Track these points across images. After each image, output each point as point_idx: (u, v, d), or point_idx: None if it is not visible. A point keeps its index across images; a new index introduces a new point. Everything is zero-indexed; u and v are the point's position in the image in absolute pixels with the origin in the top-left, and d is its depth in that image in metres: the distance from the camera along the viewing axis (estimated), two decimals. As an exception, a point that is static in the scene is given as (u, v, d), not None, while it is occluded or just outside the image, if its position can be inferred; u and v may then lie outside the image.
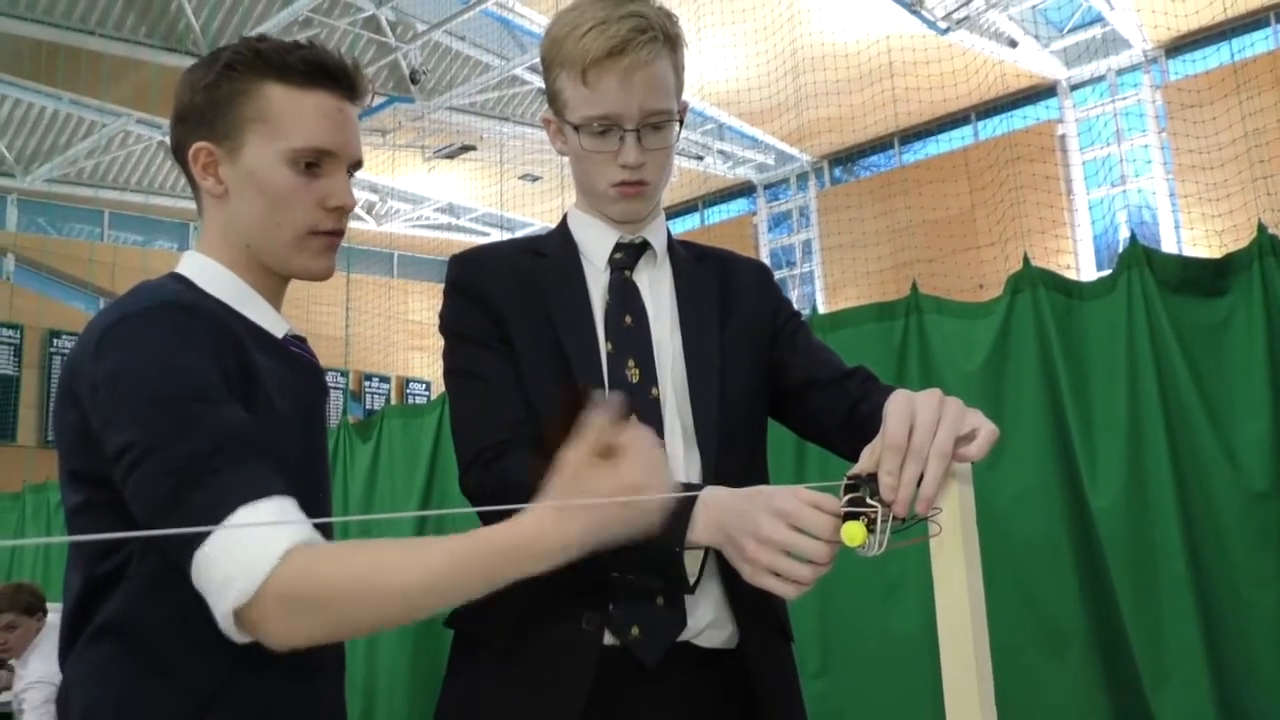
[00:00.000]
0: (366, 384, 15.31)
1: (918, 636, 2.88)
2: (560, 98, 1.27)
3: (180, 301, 1.07)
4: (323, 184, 1.15)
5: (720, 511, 1.05)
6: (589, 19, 1.20)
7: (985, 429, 0.97)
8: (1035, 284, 2.90)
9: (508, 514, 0.98)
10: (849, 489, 0.95)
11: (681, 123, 1.30)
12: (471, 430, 1.23)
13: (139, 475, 0.95)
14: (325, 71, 1.15)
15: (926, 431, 0.94)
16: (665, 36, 1.23)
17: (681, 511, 1.06)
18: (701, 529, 1.06)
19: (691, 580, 1.11)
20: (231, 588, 0.89)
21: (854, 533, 0.91)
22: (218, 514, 0.92)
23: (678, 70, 1.28)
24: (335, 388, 14.78)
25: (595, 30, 1.19)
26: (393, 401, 14.96)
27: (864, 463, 0.98)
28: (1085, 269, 11.06)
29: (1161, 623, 2.62)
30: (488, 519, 1.19)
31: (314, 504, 1.09)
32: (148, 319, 1.04)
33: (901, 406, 0.96)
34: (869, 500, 0.93)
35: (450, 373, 1.29)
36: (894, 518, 0.92)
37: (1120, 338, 2.74)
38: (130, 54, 10.54)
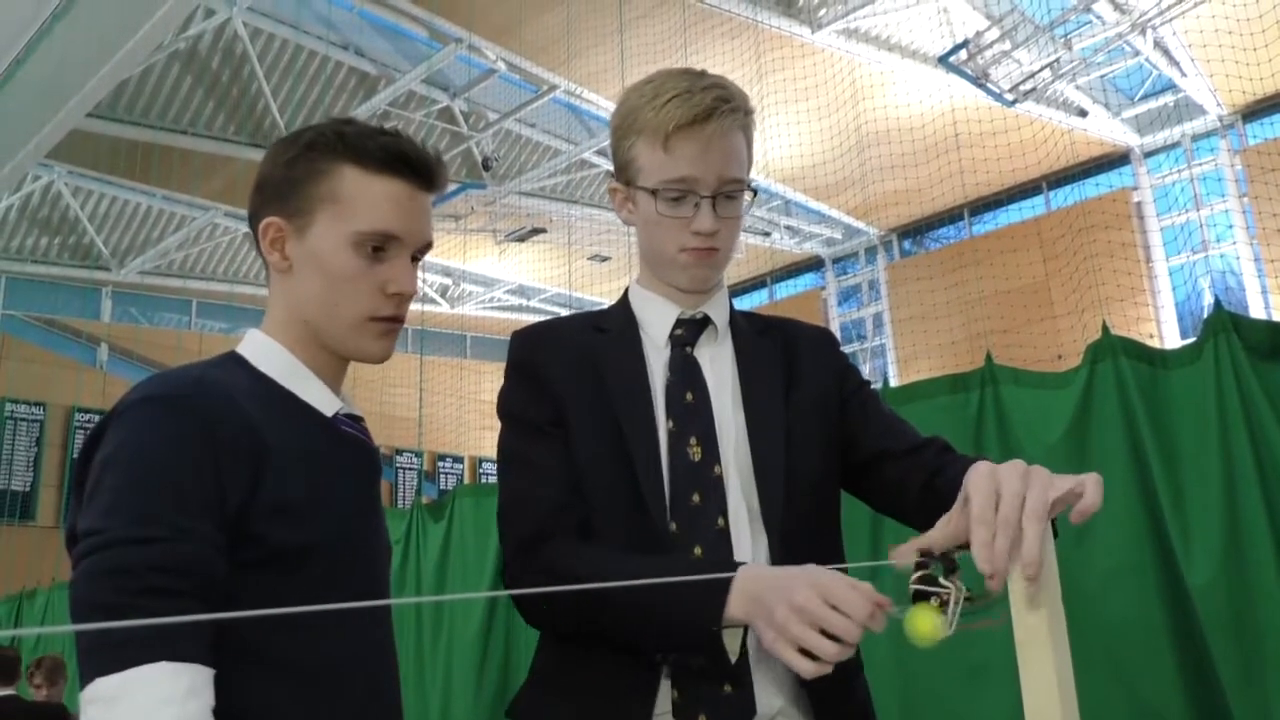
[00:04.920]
0: (440, 464, 15.46)
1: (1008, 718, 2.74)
2: (633, 165, 1.27)
3: (179, 394, 1.04)
4: (385, 269, 1.15)
5: (755, 584, 1.02)
6: (670, 89, 1.23)
7: (1090, 480, 0.93)
8: (1116, 353, 2.81)
9: (553, 603, 0.99)
10: (919, 565, 0.91)
11: (753, 197, 1.31)
12: (514, 516, 1.22)
13: (91, 564, 0.95)
14: (403, 159, 1.15)
15: (1014, 499, 0.90)
16: (744, 111, 1.27)
17: (717, 588, 1.03)
18: (735, 604, 1.03)
19: (733, 657, 1.10)
20: None
21: (922, 625, 0.85)
22: (140, 654, 0.90)
23: (749, 145, 1.31)
24: (410, 468, 14.96)
25: (679, 99, 1.22)
26: (466, 481, 15.07)
27: (934, 536, 0.94)
28: (1169, 337, 10.74)
29: (1269, 706, 2.46)
30: (532, 610, 1.18)
31: (352, 577, 1.08)
32: (145, 411, 1.03)
33: (985, 476, 0.93)
34: (942, 581, 0.89)
35: (501, 455, 1.29)
36: (965, 599, 0.87)
37: (1210, 406, 2.63)
38: (218, 150, 11.09)
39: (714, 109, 1.21)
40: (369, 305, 1.15)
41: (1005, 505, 0.89)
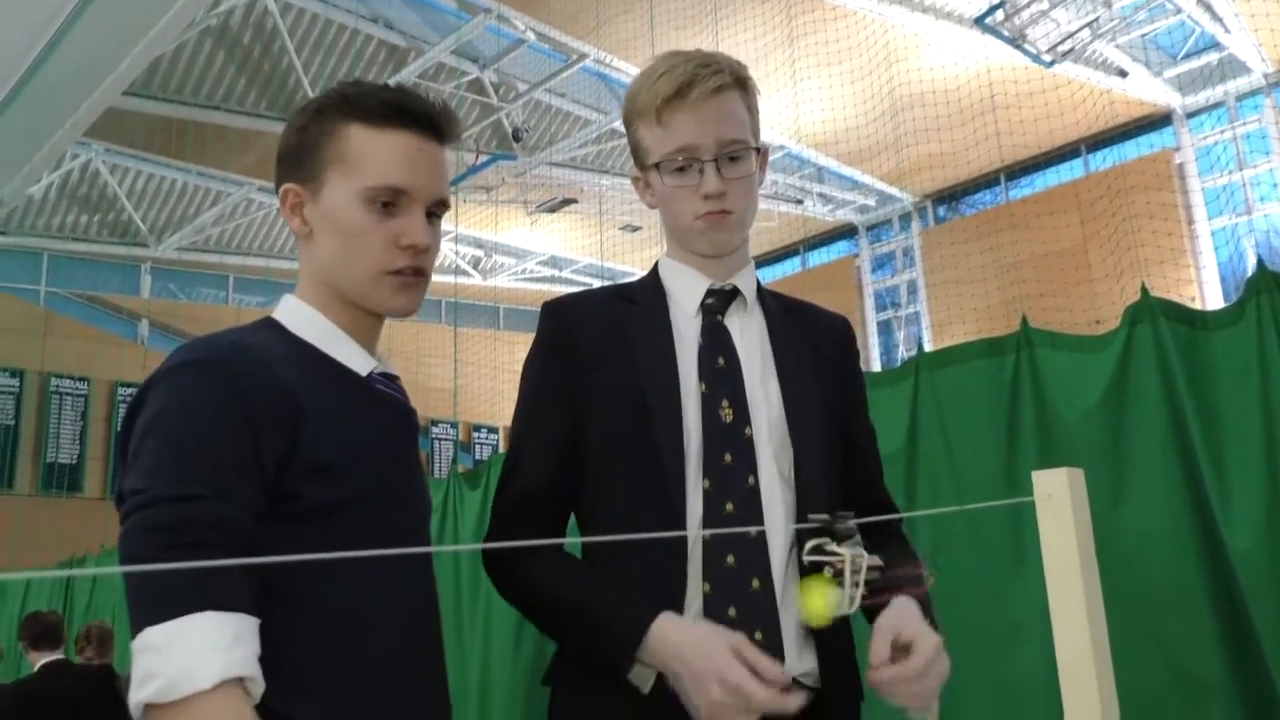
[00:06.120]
0: (476, 434, 15.59)
1: (1040, 683, 2.74)
2: (641, 147, 1.34)
3: (217, 359, 1.07)
4: (397, 223, 1.15)
5: (662, 648, 1.13)
6: (659, 69, 1.29)
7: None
8: (1155, 314, 2.76)
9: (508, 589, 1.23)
10: (815, 534, 0.86)
11: (764, 162, 1.35)
12: (504, 483, 1.33)
13: (135, 521, 0.98)
14: (405, 111, 1.16)
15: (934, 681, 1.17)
16: (734, 77, 1.30)
17: (629, 641, 1.15)
18: (647, 655, 1.15)
19: (645, 688, 1.17)
20: (152, 684, 0.92)
21: (813, 601, 0.83)
22: (186, 603, 0.93)
23: (751, 110, 1.33)
24: (445, 439, 15.10)
25: (666, 75, 1.28)
26: (500, 450, 15.18)
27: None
28: (1211, 300, 10.55)
29: (1313, 673, 2.43)
30: (507, 587, 1.30)
31: (391, 533, 1.10)
32: (184, 376, 1.06)
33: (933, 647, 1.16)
34: (833, 549, 0.85)
35: (513, 418, 1.36)
36: (866, 567, 0.83)
37: (1252, 367, 2.58)
38: (251, 126, 11.16)
39: (695, 75, 1.26)
40: (383, 259, 1.15)
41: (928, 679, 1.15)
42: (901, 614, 1.15)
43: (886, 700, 1.15)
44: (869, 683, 1.15)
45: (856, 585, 0.84)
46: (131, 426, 1.06)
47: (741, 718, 1.08)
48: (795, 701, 1.12)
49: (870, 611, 1.18)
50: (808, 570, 0.85)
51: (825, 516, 0.90)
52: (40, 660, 4.44)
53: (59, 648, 4.52)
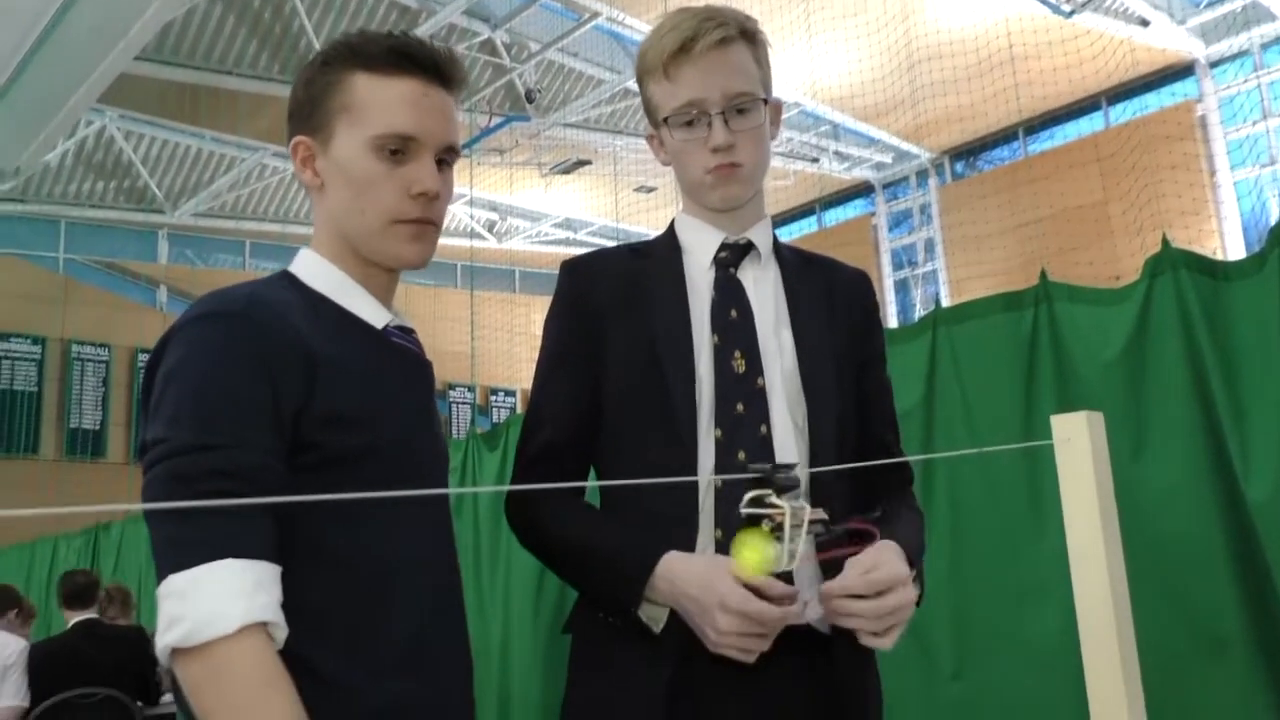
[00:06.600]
0: (493, 398, 15.66)
1: (1058, 643, 2.75)
2: (652, 104, 1.34)
3: (233, 311, 1.07)
4: (407, 170, 1.15)
5: (671, 588, 1.16)
6: (666, 25, 1.30)
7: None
8: (1176, 265, 2.73)
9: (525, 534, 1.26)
10: (758, 484, 0.81)
11: (776, 116, 1.36)
12: (525, 435, 1.37)
13: (158, 471, 1.00)
14: (409, 57, 1.16)
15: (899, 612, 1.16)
16: (740, 29, 1.30)
17: (636, 577, 1.18)
18: (656, 593, 1.18)
19: (656, 629, 1.19)
20: (177, 628, 0.94)
21: (748, 555, 0.78)
22: (209, 551, 0.95)
23: (760, 63, 1.33)
24: (463, 402, 15.18)
25: (672, 31, 1.28)
26: (518, 412, 15.25)
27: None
28: (1233, 252, 10.42)
29: (1332, 625, 2.43)
30: (528, 536, 1.33)
31: (409, 482, 1.12)
32: (202, 328, 1.06)
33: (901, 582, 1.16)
34: (773, 501, 0.81)
35: (534, 375, 1.39)
36: (808, 521, 0.78)
37: (1272, 318, 2.55)
38: (263, 90, 11.12)
39: (700, 29, 1.27)
40: (394, 208, 1.15)
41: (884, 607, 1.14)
42: (881, 553, 1.16)
43: (841, 624, 1.16)
44: (821, 600, 1.16)
45: (796, 540, 0.77)
46: (153, 378, 1.07)
47: (753, 643, 1.10)
48: (813, 613, 1.17)
49: (829, 569, 1.19)
50: (745, 523, 0.81)
51: (766, 466, 0.87)
52: (74, 618, 4.58)
53: (91, 606, 4.66)
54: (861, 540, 1.17)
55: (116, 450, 13.05)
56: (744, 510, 0.84)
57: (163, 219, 13.80)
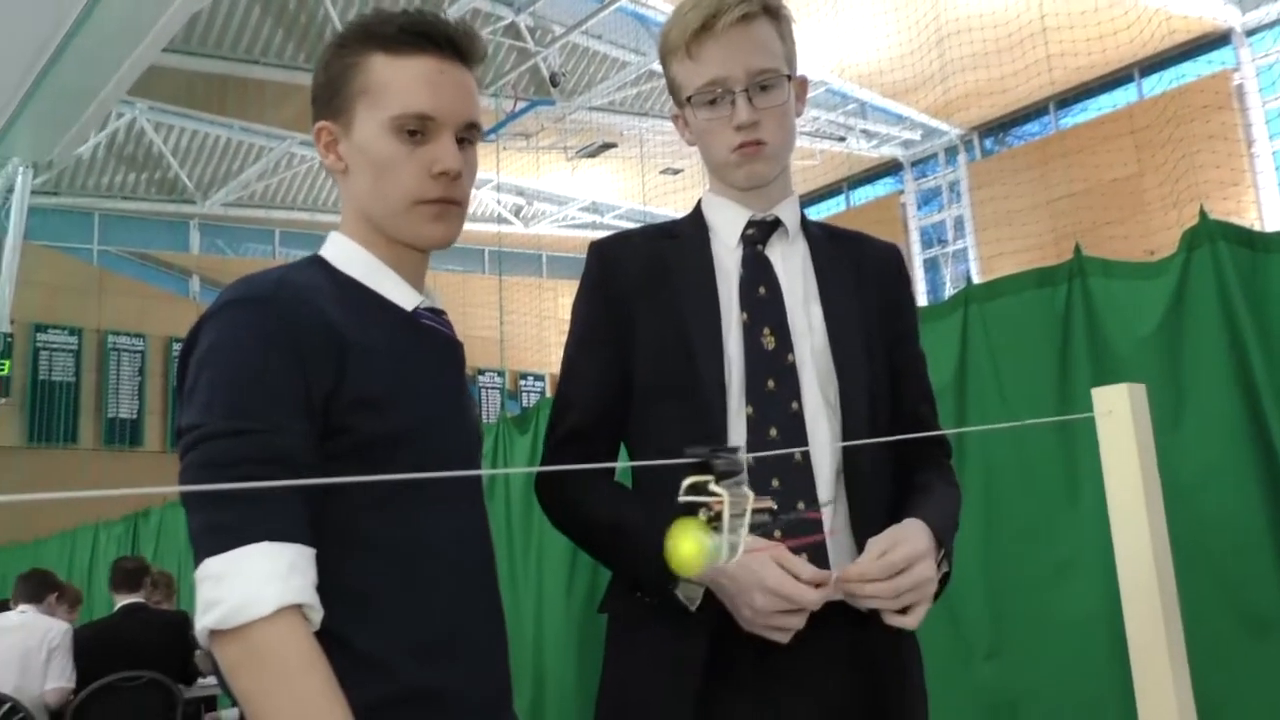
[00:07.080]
0: (522, 382, 15.72)
1: (1093, 621, 2.72)
2: (676, 84, 1.33)
3: (263, 296, 1.07)
4: (427, 150, 1.14)
5: (715, 569, 1.13)
6: (688, 4, 1.29)
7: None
8: (1214, 238, 2.68)
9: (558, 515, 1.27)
10: (698, 469, 0.72)
11: (801, 92, 1.34)
12: (555, 419, 1.37)
13: (193, 457, 1.01)
14: (424, 35, 1.15)
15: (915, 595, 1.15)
16: (763, 5, 1.28)
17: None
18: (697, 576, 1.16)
19: (692, 606, 1.18)
20: (215, 610, 0.95)
21: (683, 547, 0.70)
22: (244, 535, 0.96)
23: (784, 38, 1.32)
24: (493, 387, 15.25)
25: (694, 9, 1.27)
26: (547, 396, 15.29)
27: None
28: (1271, 223, 10.22)
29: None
30: (560, 517, 1.35)
31: (442, 465, 1.11)
32: (233, 313, 1.07)
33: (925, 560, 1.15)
34: (711, 488, 0.71)
35: (563, 358, 1.39)
36: (750, 510, 0.70)
37: (1314, 290, 2.50)
38: (290, 79, 11.18)
39: (721, 6, 1.26)
40: (415, 188, 1.14)
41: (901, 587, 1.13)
42: (900, 531, 1.16)
43: (860, 606, 1.15)
44: (839, 584, 1.14)
45: (736, 531, 0.69)
46: (186, 365, 1.08)
47: (788, 621, 1.11)
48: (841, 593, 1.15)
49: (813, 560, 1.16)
50: (682, 512, 0.72)
51: (704, 450, 0.75)
52: (121, 602, 4.72)
53: (138, 590, 4.79)
54: (808, 531, 1.17)
55: (153, 439, 13.25)
56: (681, 499, 0.74)
57: (194, 209, 13.94)
